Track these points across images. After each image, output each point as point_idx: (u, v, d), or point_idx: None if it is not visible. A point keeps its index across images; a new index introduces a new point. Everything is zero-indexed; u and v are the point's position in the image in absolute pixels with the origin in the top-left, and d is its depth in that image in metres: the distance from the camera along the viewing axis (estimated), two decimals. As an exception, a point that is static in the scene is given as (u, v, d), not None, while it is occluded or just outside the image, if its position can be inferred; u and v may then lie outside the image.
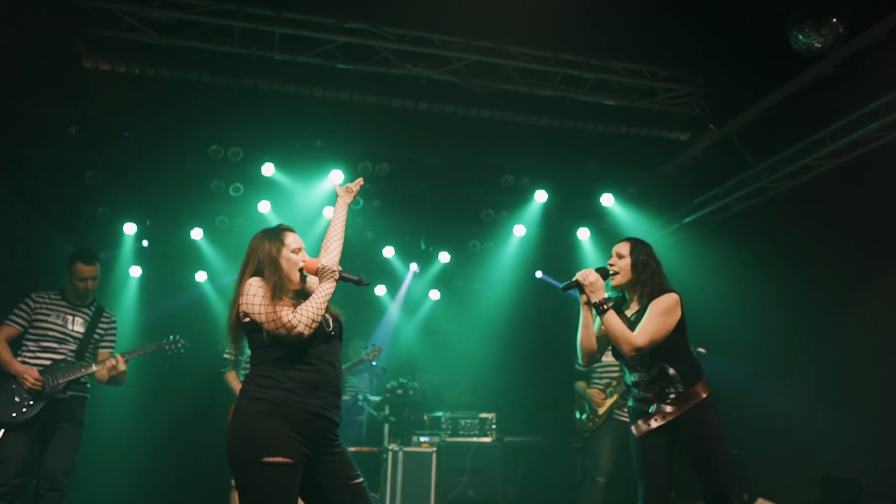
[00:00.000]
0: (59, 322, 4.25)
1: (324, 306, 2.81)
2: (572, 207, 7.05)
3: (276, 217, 6.75)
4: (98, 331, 4.39)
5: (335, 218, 3.05)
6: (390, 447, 5.98)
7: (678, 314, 3.43)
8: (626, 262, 3.49)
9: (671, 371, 3.40)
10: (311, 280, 2.97)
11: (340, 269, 2.94)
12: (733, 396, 6.51)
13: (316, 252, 3.02)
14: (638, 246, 3.56)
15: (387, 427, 6.31)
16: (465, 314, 8.26)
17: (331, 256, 2.94)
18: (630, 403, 3.59)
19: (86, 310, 4.39)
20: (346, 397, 6.73)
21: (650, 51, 5.16)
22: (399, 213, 7.09)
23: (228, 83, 4.98)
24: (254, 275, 2.91)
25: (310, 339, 2.79)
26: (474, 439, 6.16)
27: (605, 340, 3.54)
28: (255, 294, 2.79)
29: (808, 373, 5.77)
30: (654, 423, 3.39)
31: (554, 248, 7.60)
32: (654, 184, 6.56)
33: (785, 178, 5.51)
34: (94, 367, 4.20)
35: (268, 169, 6.23)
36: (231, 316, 2.91)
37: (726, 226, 6.43)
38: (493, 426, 6.27)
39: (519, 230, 7.22)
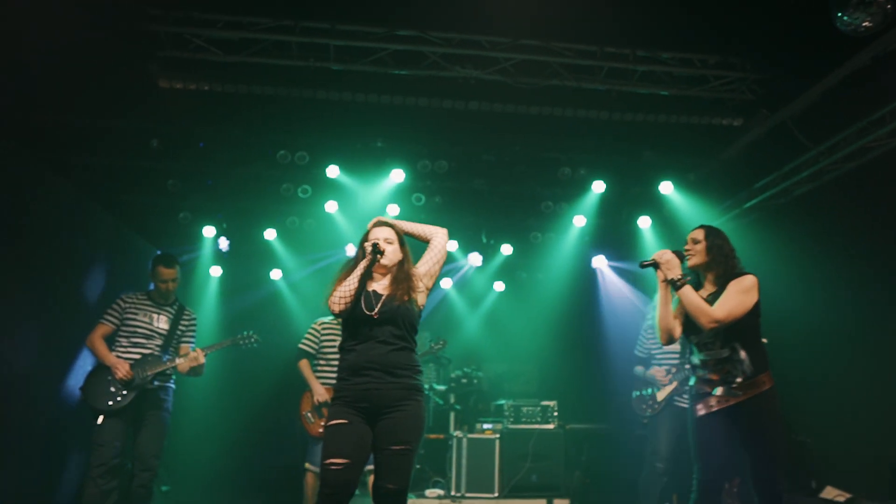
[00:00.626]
0: (146, 320, 4.70)
1: (353, 283, 3.25)
2: (630, 196, 7.07)
3: (343, 216, 7.11)
4: (180, 327, 4.82)
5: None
6: (455, 434, 6.22)
7: (756, 296, 3.56)
8: (702, 245, 3.65)
9: (742, 354, 3.50)
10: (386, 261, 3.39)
11: (377, 242, 3.35)
12: (799, 384, 6.43)
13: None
14: (713, 231, 3.72)
15: (452, 415, 6.56)
16: (529, 305, 8.41)
17: (372, 241, 3.37)
18: (691, 383, 3.69)
19: (169, 308, 4.83)
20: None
21: (697, 38, 5.15)
22: (460, 209, 7.28)
23: (289, 94, 5.31)
24: None
25: (353, 324, 3.28)
26: (536, 426, 6.31)
27: (682, 319, 3.62)
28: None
29: (876, 360, 5.63)
30: (715, 406, 3.50)
31: (615, 237, 7.64)
32: (711, 171, 6.51)
33: (844, 159, 5.38)
34: (177, 361, 4.63)
35: (332, 171, 6.55)
36: None
37: (788, 210, 6.31)
38: (555, 413, 6.40)
39: (579, 221, 7.30)
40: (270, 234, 7.40)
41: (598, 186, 6.79)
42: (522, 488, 6.09)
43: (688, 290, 3.50)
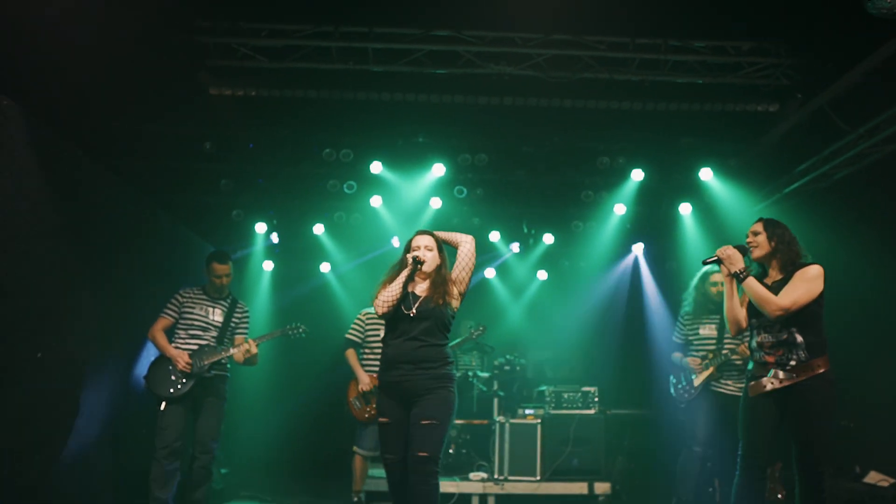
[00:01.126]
0: (203, 313, 5.03)
1: (394, 287, 3.78)
2: (671, 184, 7.08)
3: (387, 210, 7.36)
4: (234, 320, 5.13)
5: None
6: (498, 419, 6.40)
7: (821, 284, 3.69)
8: (763, 237, 3.82)
9: (799, 338, 3.63)
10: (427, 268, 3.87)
11: (416, 255, 3.84)
12: (844, 367, 6.38)
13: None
14: (771, 222, 3.90)
15: (496, 401, 6.74)
16: (573, 292, 8.52)
17: (413, 253, 3.87)
18: (749, 367, 3.83)
19: (223, 302, 5.16)
20: (457, 374, 7.26)
21: (729, 25, 5.18)
22: (502, 200, 7.44)
23: (331, 96, 5.56)
24: None
25: (393, 320, 3.82)
26: (577, 411, 6.43)
27: (746, 305, 3.82)
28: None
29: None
30: (768, 386, 3.62)
31: (656, 225, 7.67)
32: (751, 157, 6.49)
33: (884, 142, 5.32)
34: (232, 351, 4.95)
35: (376, 167, 6.79)
36: None
37: (829, 194, 6.25)
38: (596, 399, 6.52)
39: (619, 209, 7.37)
40: (319, 229, 7.71)
41: (637, 175, 6.84)
42: (564, 472, 6.23)
43: (752, 281, 3.68)
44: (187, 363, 4.77)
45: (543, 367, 8.38)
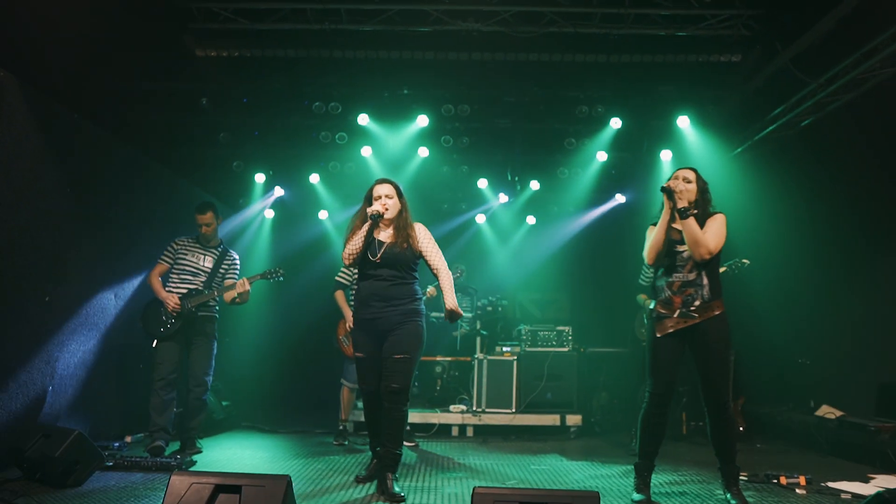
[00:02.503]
0: (194, 260, 5.50)
1: (357, 241, 4.11)
2: (648, 132, 7.28)
3: (377, 160, 7.71)
4: (223, 267, 5.60)
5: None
6: (477, 356, 6.87)
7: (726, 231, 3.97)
8: (693, 186, 4.04)
9: (705, 280, 3.93)
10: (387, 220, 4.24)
11: (375, 210, 4.12)
12: (804, 307, 6.69)
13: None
14: (699, 174, 4.12)
15: (478, 340, 7.19)
16: (561, 236, 8.85)
17: (373, 208, 4.15)
18: (651, 306, 4.09)
19: (214, 250, 5.62)
20: (441, 314, 7.71)
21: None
22: (489, 148, 7.74)
23: (309, 55, 5.86)
24: None
25: (363, 265, 4.20)
26: (551, 349, 6.87)
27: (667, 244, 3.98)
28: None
29: (873, 285, 5.83)
30: (672, 328, 3.93)
31: (638, 171, 7.89)
32: (725, 105, 6.65)
33: (841, 90, 5.47)
34: (215, 294, 5.43)
35: (363, 119, 7.11)
36: None
37: (797, 142, 6.43)
38: (570, 337, 6.93)
39: (601, 156, 7.61)
40: (315, 179, 8.11)
41: (615, 123, 7.05)
42: (538, 405, 6.71)
43: (692, 221, 3.88)
44: (176, 304, 5.28)
45: (531, 307, 8.79)
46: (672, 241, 3.97)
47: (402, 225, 4.23)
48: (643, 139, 7.37)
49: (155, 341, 5.24)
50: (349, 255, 4.15)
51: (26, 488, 3.92)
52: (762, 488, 4.48)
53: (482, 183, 8.29)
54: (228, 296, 5.45)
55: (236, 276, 5.66)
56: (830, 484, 4.58)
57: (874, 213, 5.76)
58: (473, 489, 2.93)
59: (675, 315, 3.93)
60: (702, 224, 3.95)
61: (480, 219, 8.94)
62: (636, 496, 4.01)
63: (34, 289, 4.62)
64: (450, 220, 8.89)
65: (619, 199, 8.46)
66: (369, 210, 4.15)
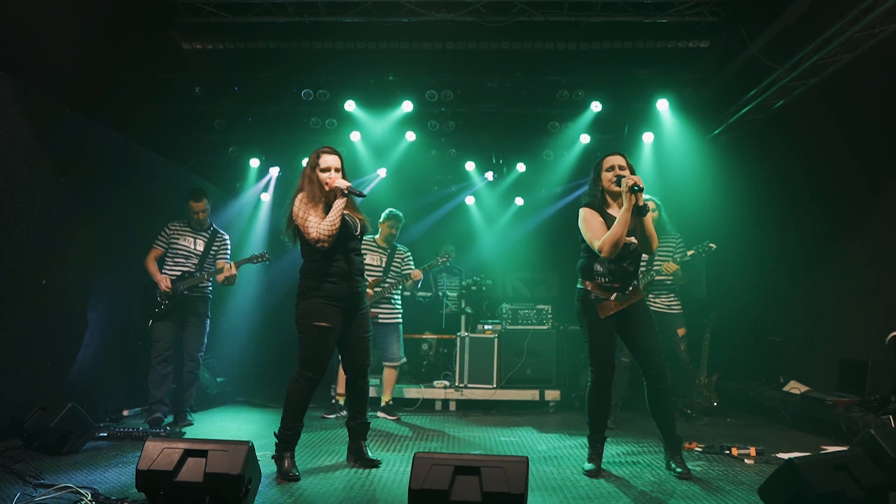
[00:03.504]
0: (186, 244, 5.83)
1: (336, 219, 3.90)
2: (628, 114, 7.45)
3: (365, 145, 7.96)
4: (213, 249, 5.92)
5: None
6: (460, 334, 7.15)
7: None
8: (627, 171, 4.18)
9: (637, 268, 4.27)
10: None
11: (349, 185, 4.01)
12: (777, 287, 6.88)
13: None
14: (628, 160, 4.27)
15: (463, 318, 7.47)
16: (548, 217, 9.08)
17: (343, 183, 4.02)
18: (582, 286, 4.21)
19: (204, 233, 5.94)
20: (429, 294, 7.99)
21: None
22: (476, 131, 7.95)
23: (289, 47, 6.12)
24: (300, 190, 4.15)
25: (339, 240, 3.96)
26: (531, 327, 7.12)
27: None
28: (298, 208, 4.04)
29: (841, 262, 6.00)
30: (613, 309, 4.15)
31: (623, 150, 8.03)
32: (697, 89, 6.81)
33: (806, 75, 5.61)
34: (205, 277, 5.75)
35: (349, 105, 7.33)
36: (287, 223, 4.15)
37: (769, 126, 6.59)
38: (550, 316, 7.18)
39: (584, 139, 7.79)
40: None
41: (596, 106, 7.22)
42: (518, 380, 6.98)
43: (650, 218, 4.09)
44: (167, 286, 5.61)
45: (521, 287, 9.04)
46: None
47: (352, 200, 4.19)
48: (624, 122, 7.53)
49: (151, 321, 5.58)
50: (330, 235, 3.90)
51: (25, 455, 4.29)
52: (713, 459, 4.73)
53: (469, 165, 8.50)
54: (219, 277, 5.76)
55: (227, 257, 5.98)
56: (781, 455, 4.81)
57: (839, 195, 5.92)
58: (415, 454, 3.20)
59: (613, 298, 4.17)
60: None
61: (469, 200, 9.17)
62: (587, 465, 4.27)
63: (30, 273, 4.95)
64: (439, 201, 9.14)
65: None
66: (342, 185, 3.98)
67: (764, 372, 6.85)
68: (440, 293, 7.75)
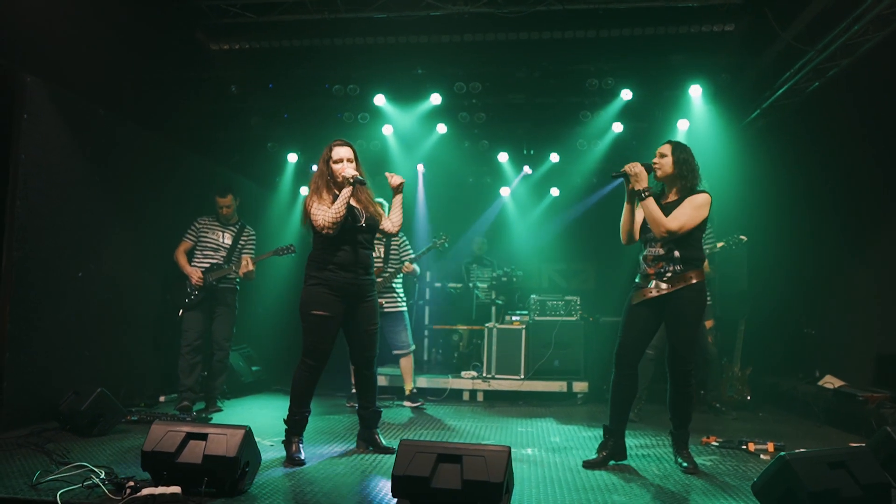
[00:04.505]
0: (214, 237, 6.06)
1: (341, 207, 3.98)
2: (659, 102, 7.28)
3: (396, 138, 8.06)
4: (241, 242, 6.14)
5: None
6: (487, 325, 7.18)
7: (706, 212, 4.06)
8: (668, 160, 4.12)
9: (676, 253, 4.07)
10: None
11: (355, 175, 4.07)
12: (816, 278, 6.62)
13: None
14: (679, 146, 4.17)
15: (493, 309, 7.49)
16: (585, 207, 8.97)
17: (350, 172, 4.09)
18: (637, 280, 4.23)
19: (232, 227, 6.16)
20: (459, 285, 8.04)
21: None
22: (507, 123, 7.95)
23: (312, 44, 6.25)
24: (313, 182, 4.26)
25: (343, 230, 4.04)
26: (559, 318, 7.08)
27: (643, 225, 4.13)
28: (309, 198, 4.18)
29: (874, 256, 5.73)
30: (649, 294, 4.09)
31: (657, 140, 7.86)
32: (731, 74, 6.60)
33: (838, 55, 5.36)
34: (233, 268, 5.97)
35: (379, 99, 7.44)
36: (303, 215, 4.25)
37: (805, 110, 6.32)
38: (578, 307, 7.12)
39: (617, 127, 7.68)
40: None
41: (626, 94, 7.10)
42: (545, 372, 6.96)
43: (650, 202, 4.00)
44: (199, 278, 5.86)
45: (557, 278, 8.98)
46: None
47: (364, 191, 4.23)
48: (657, 109, 7.36)
49: (181, 311, 5.84)
50: (334, 222, 3.96)
51: (58, 436, 4.58)
52: (728, 454, 4.62)
53: (503, 157, 8.49)
54: (240, 272, 5.96)
55: (253, 251, 6.19)
56: (803, 450, 4.66)
57: (879, 182, 5.63)
58: (400, 441, 3.27)
59: (649, 285, 4.11)
60: (681, 200, 4.05)
61: (505, 192, 9.16)
62: (591, 457, 4.24)
63: (67, 267, 5.27)
64: (474, 193, 9.16)
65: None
66: (348, 174, 4.05)
67: (800, 366, 6.61)
68: (471, 284, 7.78)
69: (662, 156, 4.15)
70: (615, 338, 4.30)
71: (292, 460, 4.11)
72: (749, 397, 6.45)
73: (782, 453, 3.19)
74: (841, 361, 6.07)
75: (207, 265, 5.96)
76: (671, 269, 4.06)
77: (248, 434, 3.50)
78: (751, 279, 7.68)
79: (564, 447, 4.76)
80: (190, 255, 6.05)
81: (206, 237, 6.04)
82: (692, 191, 4.10)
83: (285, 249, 6.01)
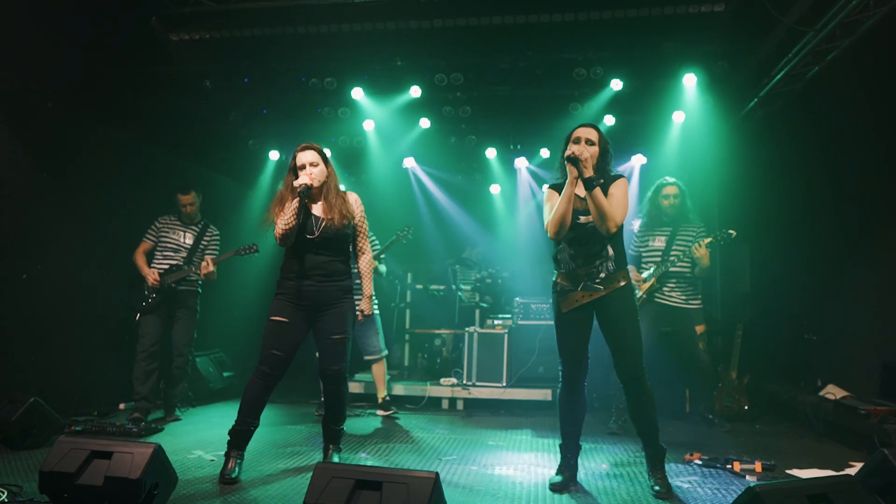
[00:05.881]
0: (175, 237, 5.76)
1: (289, 218, 3.80)
2: (654, 92, 6.81)
3: (377, 133, 7.70)
4: (203, 242, 5.83)
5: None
6: (468, 329, 6.78)
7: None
8: (596, 148, 3.73)
9: (610, 251, 3.68)
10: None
11: (304, 184, 3.84)
12: (802, 282, 6.14)
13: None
14: (602, 134, 3.83)
15: (477, 312, 7.10)
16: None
17: (300, 181, 3.86)
18: (554, 278, 3.84)
19: (194, 227, 5.85)
20: (442, 287, 7.65)
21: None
22: (493, 116, 7.53)
23: (275, 33, 5.90)
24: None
25: (299, 241, 3.90)
26: (544, 322, 6.67)
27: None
28: (271, 205, 4.03)
29: (883, 257, 5.23)
30: (579, 302, 3.68)
31: (650, 133, 7.44)
32: (727, 61, 6.13)
33: (837, 36, 4.90)
34: (192, 270, 5.66)
35: (357, 93, 7.08)
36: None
37: (805, 100, 5.84)
38: (564, 311, 6.69)
39: (608, 120, 7.24)
40: (326, 153, 8.18)
41: (616, 84, 6.67)
42: (529, 379, 6.55)
43: (599, 192, 3.57)
44: (156, 280, 5.55)
45: (549, 278, 8.53)
46: (575, 211, 3.68)
47: (332, 195, 4.00)
48: (650, 100, 6.91)
49: (138, 315, 5.54)
50: (282, 232, 3.81)
51: (-11, 448, 4.30)
52: (710, 474, 4.19)
53: (490, 153, 8.09)
54: (202, 271, 5.65)
55: (216, 251, 5.88)
56: (795, 471, 4.23)
57: (888, 178, 5.13)
58: (316, 465, 2.92)
59: (580, 288, 3.71)
60: (605, 190, 3.65)
61: (495, 189, 8.75)
62: (553, 478, 3.85)
63: (9, 268, 4.99)
64: (465, 190, 8.77)
65: (634, 162, 8.01)
66: (296, 184, 3.84)
67: (802, 374, 6.12)
68: (453, 286, 7.40)
69: (590, 142, 3.73)
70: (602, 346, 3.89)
71: (223, 478, 3.77)
72: (746, 407, 5.99)
73: (752, 483, 2.77)
74: (845, 370, 5.58)
75: (167, 266, 5.66)
76: (604, 269, 3.66)
77: (158, 453, 3.17)
78: (753, 280, 7.20)
79: (533, 464, 4.36)
80: (151, 257, 5.75)
81: (166, 237, 5.74)
82: (611, 178, 3.73)
83: (247, 249, 5.68)
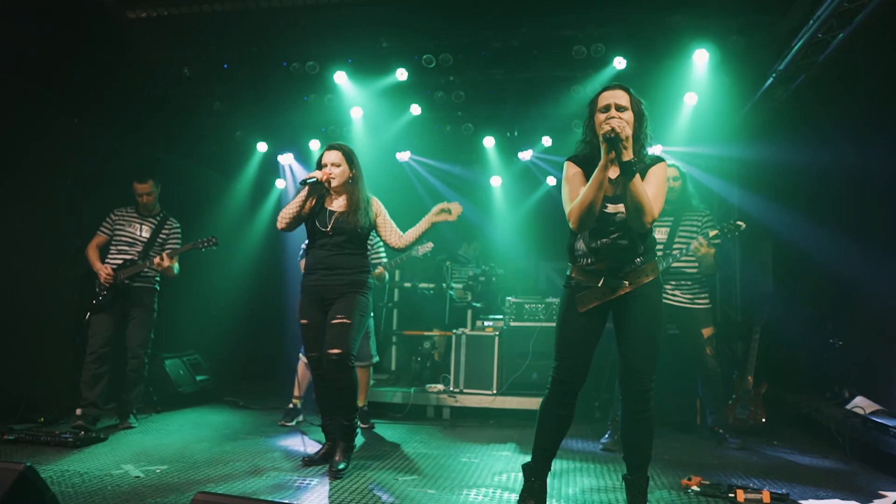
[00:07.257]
0: (131, 230, 5.33)
1: (292, 207, 4.04)
2: (660, 71, 6.15)
3: (366, 121, 7.19)
4: (161, 236, 5.39)
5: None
6: (455, 331, 6.20)
7: None
8: (630, 115, 3.02)
9: (639, 243, 3.09)
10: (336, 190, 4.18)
11: (311, 176, 4.06)
12: (827, 281, 5.46)
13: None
14: (635, 96, 3.10)
15: (469, 313, 6.54)
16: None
17: (309, 174, 4.11)
18: (569, 272, 3.26)
19: (152, 219, 5.42)
20: (432, 285, 7.09)
21: None
22: (488, 101, 6.97)
23: (235, 7, 5.43)
24: None
25: (312, 233, 4.14)
26: (538, 324, 6.05)
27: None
28: None
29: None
30: (603, 298, 3.09)
31: (660, 115, 6.77)
32: (743, 35, 5.48)
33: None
34: (146, 265, 5.21)
35: (339, 77, 6.55)
36: None
37: (831, 72, 5.13)
38: (561, 311, 6.09)
39: (614, 104, 6.60)
40: (315, 145, 7.73)
41: (619, 63, 6.04)
42: (522, 386, 5.95)
43: (638, 180, 2.90)
44: (108, 276, 5.12)
45: (556, 277, 7.94)
46: (603, 197, 3.02)
47: (353, 194, 4.12)
48: (657, 80, 6.23)
49: (88, 314, 5.12)
50: (281, 218, 4.06)
51: None
52: (707, 503, 3.56)
53: (489, 142, 7.51)
54: (159, 267, 5.21)
55: (177, 245, 5.45)
56: (812, 503, 3.58)
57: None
58: (196, 494, 2.41)
59: (600, 285, 3.10)
60: (642, 174, 3.01)
61: (495, 181, 8.16)
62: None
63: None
64: (463, 183, 8.19)
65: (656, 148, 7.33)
66: (307, 175, 4.10)
67: (827, 383, 5.41)
68: (444, 284, 6.82)
69: (621, 108, 3.01)
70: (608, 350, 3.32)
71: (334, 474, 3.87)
72: (764, 420, 5.32)
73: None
74: (876, 380, 4.87)
75: (121, 261, 5.23)
76: (631, 264, 3.07)
77: (25, 475, 2.68)
78: (776, 279, 6.50)
79: (507, 488, 3.77)
80: (106, 251, 5.33)
81: (121, 230, 5.33)
82: (648, 160, 3.08)
83: (205, 242, 5.23)
